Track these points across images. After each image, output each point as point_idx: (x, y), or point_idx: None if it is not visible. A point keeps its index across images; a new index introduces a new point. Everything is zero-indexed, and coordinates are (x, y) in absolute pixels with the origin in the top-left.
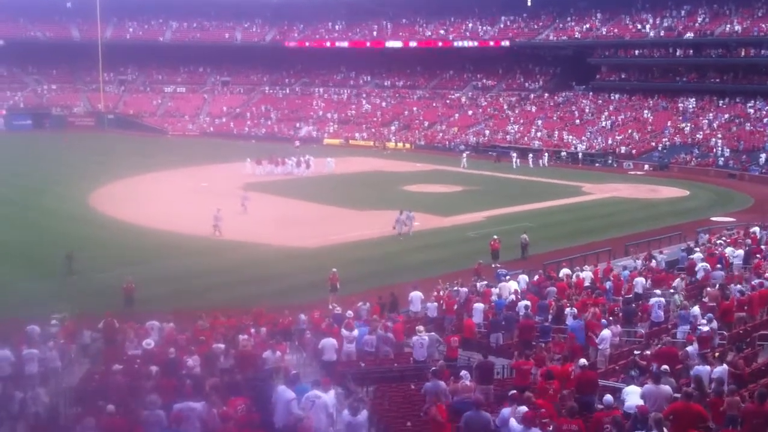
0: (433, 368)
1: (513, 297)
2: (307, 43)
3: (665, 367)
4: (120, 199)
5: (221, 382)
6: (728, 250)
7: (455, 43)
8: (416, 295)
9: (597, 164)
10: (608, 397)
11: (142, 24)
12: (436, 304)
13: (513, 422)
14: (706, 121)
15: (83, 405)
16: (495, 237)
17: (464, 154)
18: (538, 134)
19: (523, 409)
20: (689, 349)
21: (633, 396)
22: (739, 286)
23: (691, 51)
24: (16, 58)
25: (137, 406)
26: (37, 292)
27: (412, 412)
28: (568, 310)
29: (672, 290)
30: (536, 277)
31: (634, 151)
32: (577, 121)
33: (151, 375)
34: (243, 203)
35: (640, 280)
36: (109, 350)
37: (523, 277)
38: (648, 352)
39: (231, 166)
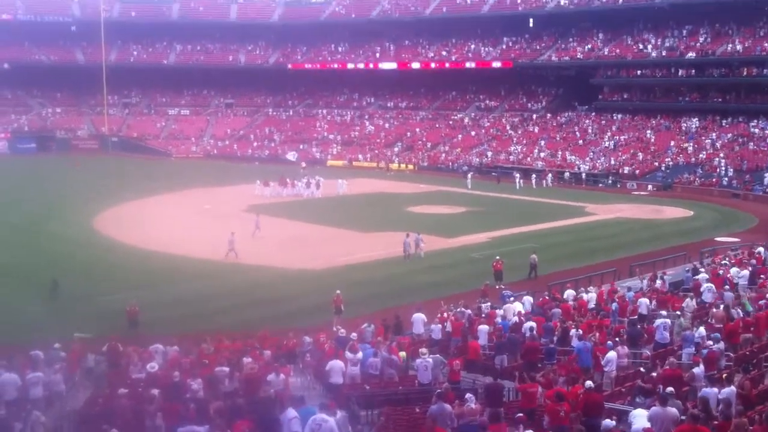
0: (438, 391)
1: (516, 319)
2: (310, 65)
3: (670, 389)
4: (125, 223)
5: (225, 406)
6: (733, 271)
7: (458, 65)
8: (419, 317)
9: (600, 185)
10: (608, 422)
11: (146, 47)
12: (440, 326)
13: None
14: (709, 140)
15: (87, 429)
16: (497, 258)
17: (469, 175)
18: (541, 155)
19: None
20: (696, 370)
21: (640, 419)
22: (738, 309)
23: (693, 71)
24: (21, 82)
25: (141, 429)
26: (40, 316)
27: None
28: (573, 331)
29: (678, 312)
30: (540, 299)
31: (637, 172)
32: (580, 142)
33: (155, 399)
34: (257, 226)
35: (644, 301)
36: (113, 374)
37: (528, 299)
38: (654, 374)
39: (235, 189)
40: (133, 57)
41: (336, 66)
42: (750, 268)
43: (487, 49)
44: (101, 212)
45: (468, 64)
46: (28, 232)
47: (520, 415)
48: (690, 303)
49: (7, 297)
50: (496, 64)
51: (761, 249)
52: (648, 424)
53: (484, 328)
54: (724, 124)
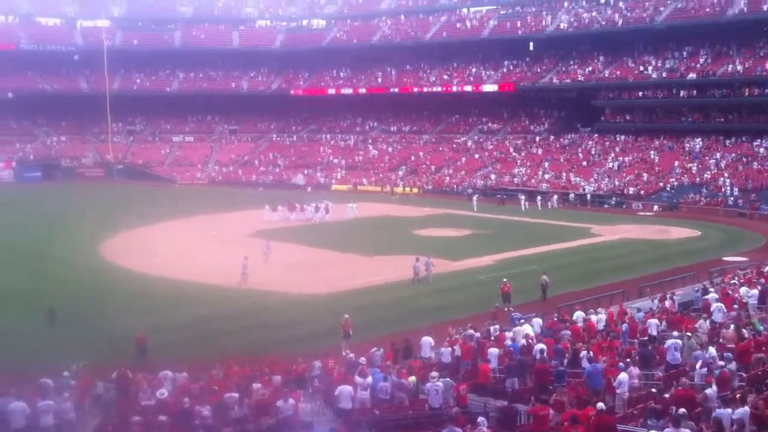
0: (449, 414)
1: (524, 341)
2: (312, 91)
3: (683, 410)
4: (131, 249)
5: None
6: (742, 290)
7: (459, 88)
8: (427, 340)
9: (605, 206)
10: None
11: (149, 75)
12: (449, 349)
13: None
14: (713, 160)
15: None
16: (504, 280)
17: (474, 198)
18: (546, 176)
19: None
20: (708, 391)
21: None
22: (744, 330)
23: (695, 91)
24: (26, 111)
25: None
26: (49, 342)
27: None
28: (583, 353)
29: (689, 333)
30: (549, 321)
31: (642, 192)
32: (584, 163)
33: (165, 425)
34: (265, 252)
35: (653, 322)
36: (123, 401)
37: (537, 321)
38: (666, 396)
39: (241, 214)
40: (136, 85)
41: (338, 91)
42: (759, 288)
43: (488, 72)
44: (108, 239)
45: (469, 88)
46: (35, 258)
47: None
48: (703, 324)
49: (15, 322)
50: (496, 88)
51: None
52: None
53: (494, 351)
54: (727, 144)
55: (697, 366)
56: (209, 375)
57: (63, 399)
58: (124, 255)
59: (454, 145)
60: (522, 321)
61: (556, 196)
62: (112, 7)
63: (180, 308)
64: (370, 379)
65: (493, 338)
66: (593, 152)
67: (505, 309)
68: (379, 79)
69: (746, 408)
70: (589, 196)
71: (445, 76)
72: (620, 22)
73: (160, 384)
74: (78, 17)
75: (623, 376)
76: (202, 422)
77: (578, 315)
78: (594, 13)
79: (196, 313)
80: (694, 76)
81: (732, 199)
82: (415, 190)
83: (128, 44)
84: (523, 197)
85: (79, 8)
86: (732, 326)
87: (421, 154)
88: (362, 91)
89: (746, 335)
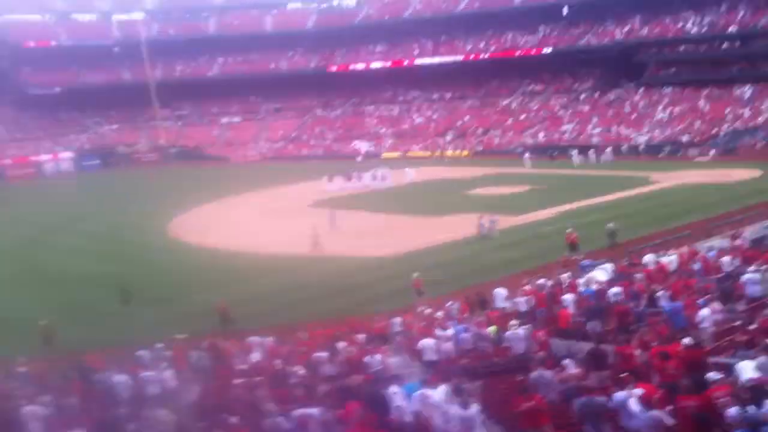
0: (537, 358)
1: (596, 286)
2: (351, 66)
3: None
4: (197, 227)
5: (332, 388)
6: None
7: (498, 55)
8: (499, 291)
9: (660, 155)
10: (713, 374)
11: (189, 62)
12: (524, 298)
13: (632, 403)
14: (765, 105)
15: (207, 420)
16: (569, 230)
17: (526, 155)
18: (596, 131)
19: (639, 391)
20: None
21: (747, 370)
22: None
23: (738, 43)
24: (74, 103)
25: (257, 416)
26: (138, 319)
27: (520, 402)
28: (661, 293)
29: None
30: (620, 265)
31: (696, 140)
32: (633, 116)
33: (263, 386)
34: (331, 220)
35: (726, 259)
36: (219, 367)
37: (609, 265)
38: (752, 327)
39: (299, 187)
40: (177, 72)
41: (376, 65)
42: None
43: (524, 38)
44: (173, 219)
45: (509, 54)
46: (108, 241)
47: (626, 374)
48: None
49: (100, 303)
50: (533, 53)
51: None
52: (757, 374)
53: (568, 297)
54: None
55: None
56: (295, 338)
57: (162, 369)
58: (193, 233)
59: (498, 108)
60: (593, 268)
61: (609, 149)
62: (145, 0)
63: (257, 279)
64: (451, 331)
65: (565, 285)
66: (641, 106)
67: (574, 258)
68: (415, 52)
69: None
70: (642, 147)
71: (482, 44)
72: None
73: (250, 349)
74: (112, 11)
75: (705, 311)
76: (299, 380)
77: (649, 258)
78: None
79: (274, 283)
80: (735, 29)
81: None
82: (466, 152)
83: (164, 34)
84: (575, 152)
85: (113, 3)
86: None
87: (466, 118)
88: (402, 63)
89: None
